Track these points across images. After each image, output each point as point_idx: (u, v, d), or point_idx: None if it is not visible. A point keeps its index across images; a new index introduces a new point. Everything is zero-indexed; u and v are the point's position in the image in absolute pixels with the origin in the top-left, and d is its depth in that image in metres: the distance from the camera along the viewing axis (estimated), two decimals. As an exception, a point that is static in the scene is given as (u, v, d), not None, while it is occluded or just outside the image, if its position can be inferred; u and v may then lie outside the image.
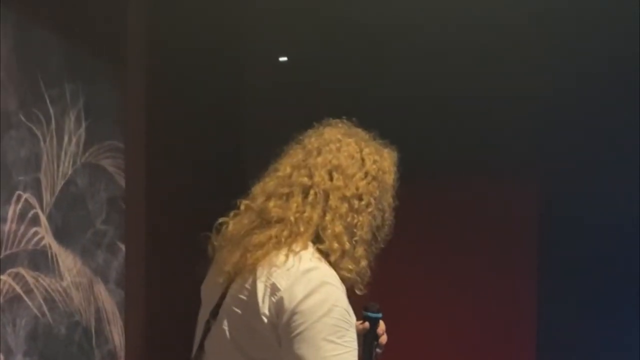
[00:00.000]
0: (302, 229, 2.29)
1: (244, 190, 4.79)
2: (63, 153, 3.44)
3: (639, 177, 4.37)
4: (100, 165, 3.69)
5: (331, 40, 4.78)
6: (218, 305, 2.35)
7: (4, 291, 3.04)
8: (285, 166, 2.41)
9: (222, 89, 4.72)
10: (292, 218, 2.30)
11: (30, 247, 3.19)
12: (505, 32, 4.52)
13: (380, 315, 2.58)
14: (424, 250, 4.92)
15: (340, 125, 2.52)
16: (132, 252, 3.85)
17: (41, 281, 3.25)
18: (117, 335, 3.76)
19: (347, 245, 2.32)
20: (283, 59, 5.00)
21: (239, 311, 2.29)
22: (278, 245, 2.27)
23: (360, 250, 2.36)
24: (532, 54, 4.64)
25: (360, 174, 2.39)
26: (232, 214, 2.43)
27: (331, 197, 2.33)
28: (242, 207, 2.42)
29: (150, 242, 4.05)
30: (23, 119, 3.18)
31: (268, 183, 2.41)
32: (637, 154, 4.40)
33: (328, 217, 2.31)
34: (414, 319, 4.83)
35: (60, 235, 3.36)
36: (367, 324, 2.54)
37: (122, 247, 3.81)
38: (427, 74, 4.75)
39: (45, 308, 3.27)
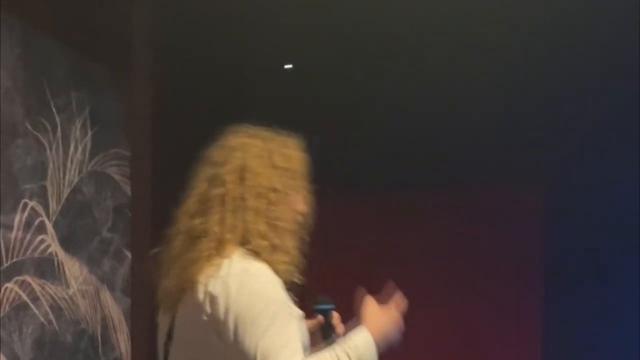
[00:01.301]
0: (228, 236, 2.35)
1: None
2: (69, 161, 3.45)
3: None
4: (106, 173, 3.71)
5: (335, 47, 4.79)
6: (172, 327, 2.43)
7: (11, 299, 3.05)
8: (199, 183, 2.45)
9: (227, 96, 4.72)
10: (215, 229, 2.36)
11: (36, 254, 3.20)
12: (508, 36, 4.52)
13: (331, 306, 2.62)
14: (428, 253, 4.91)
15: (241, 130, 2.52)
16: (138, 259, 3.86)
17: (47, 289, 3.26)
18: (123, 342, 3.76)
19: (275, 240, 2.38)
20: (288, 66, 5.01)
21: (188, 329, 2.38)
22: (209, 257, 2.34)
23: (288, 241, 2.42)
24: (533, 56, 4.63)
25: (269, 169, 2.43)
26: (164, 243, 2.50)
27: (247, 197, 2.38)
28: (171, 234, 2.48)
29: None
30: (29, 127, 3.20)
31: (188, 203, 2.46)
32: (637, 153, 4.40)
33: (249, 218, 2.37)
34: (419, 321, 4.82)
35: (67, 243, 3.37)
36: (320, 317, 2.58)
37: (129, 254, 3.81)
38: (430, 81, 4.75)
39: (51, 316, 3.27)
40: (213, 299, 2.31)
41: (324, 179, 4.86)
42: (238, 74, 4.87)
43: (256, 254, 2.37)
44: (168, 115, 4.17)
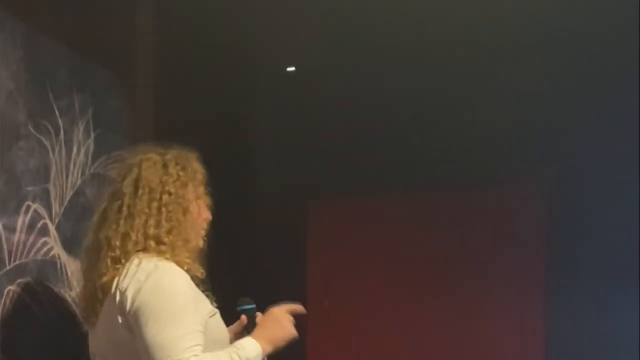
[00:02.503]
0: (124, 243, 2.57)
1: (254, 201, 4.79)
2: (72, 164, 3.45)
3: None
4: (109, 176, 3.69)
5: (338, 50, 4.78)
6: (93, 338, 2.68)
7: (14, 301, 3.04)
8: (103, 199, 2.71)
9: (231, 99, 4.72)
10: (112, 238, 2.59)
11: (39, 257, 3.19)
12: (507, 38, 4.52)
13: (253, 306, 2.76)
14: (429, 258, 4.90)
15: (139, 149, 2.77)
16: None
17: (50, 292, 3.25)
18: (126, 346, 3.74)
19: (171, 240, 2.57)
20: (291, 69, 5.00)
21: (105, 331, 2.57)
22: (114, 264, 2.55)
23: (185, 239, 2.61)
24: (533, 58, 4.63)
25: (164, 177, 2.64)
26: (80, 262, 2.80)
27: (139, 204, 2.60)
28: (82, 251, 2.76)
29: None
30: (32, 130, 3.19)
31: (94, 220, 2.71)
32: (638, 154, 4.39)
33: (141, 223, 2.58)
34: (420, 325, 4.81)
35: (70, 245, 3.36)
36: (243, 317, 2.73)
37: (131, 257, 3.80)
38: (431, 83, 4.75)
39: (54, 319, 3.26)
40: (122, 294, 2.48)
41: (324, 181, 4.87)
42: (241, 78, 4.88)
43: (158, 254, 2.55)
44: (171, 118, 4.17)
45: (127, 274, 2.52)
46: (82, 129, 3.52)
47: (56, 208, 3.32)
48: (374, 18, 4.52)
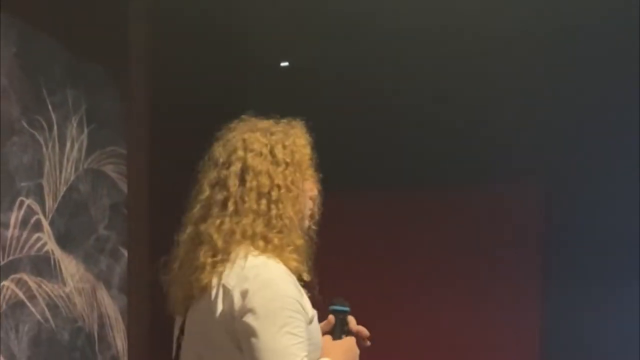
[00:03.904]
0: (227, 241, 2.35)
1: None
2: (65, 159, 3.45)
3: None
4: (102, 171, 3.70)
5: (332, 45, 4.78)
6: (183, 324, 2.43)
7: (7, 297, 3.05)
8: (204, 187, 2.45)
9: (225, 94, 4.72)
10: (214, 235, 2.36)
11: (33, 252, 3.19)
12: (508, 33, 4.53)
13: (346, 308, 2.61)
14: (426, 254, 4.91)
15: (241, 124, 2.51)
16: (134, 257, 3.86)
17: (44, 287, 3.26)
18: (119, 340, 3.76)
19: (278, 239, 2.37)
20: (284, 64, 5.00)
21: (198, 327, 2.38)
22: (215, 263, 2.34)
23: (293, 238, 2.40)
24: (531, 54, 4.63)
25: (272, 167, 2.41)
26: (174, 250, 2.51)
27: (247, 200, 2.38)
28: (179, 240, 2.49)
29: (153, 247, 4.05)
30: (25, 125, 3.19)
31: (193, 210, 2.46)
32: (637, 152, 4.40)
33: (248, 221, 2.36)
34: (417, 321, 4.83)
35: (63, 241, 3.36)
36: (331, 317, 2.58)
37: (125, 252, 3.81)
38: (428, 79, 4.75)
39: (48, 314, 3.27)
40: (227, 292, 2.30)
41: (323, 177, 4.84)
42: (235, 73, 4.87)
43: (264, 252, 2.36)
44: (165, 112, 4.17)
45: (232, 270, 2.32)
46: (75, 125, 3.51)
47: (49, 203, 3.32)
48: (370, 13, 4.53)
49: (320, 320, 2.52)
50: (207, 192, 2.43)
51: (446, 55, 4.69)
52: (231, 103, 4.84)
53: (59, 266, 3.35)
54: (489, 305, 4.80)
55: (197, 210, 2.44)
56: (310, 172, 2.51)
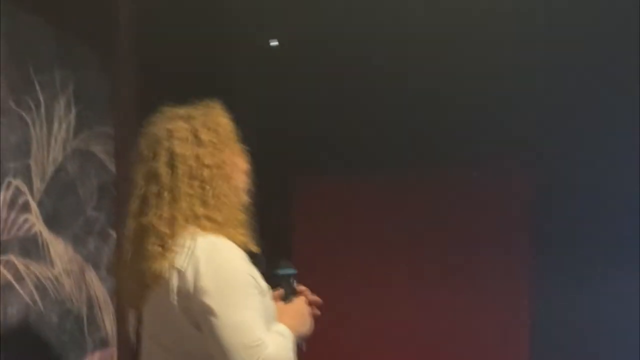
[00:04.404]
0: (177, 227, 2.42)
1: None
2: (53, 139, 3.41)
3: (639, 162, 4.36)
4: (90, 152, 3.67)
5: (324, 24, 4.74)
6: (141, 316, 2.54)
7: (-5, 279, 3.02)
8: (138, 182, 2.54)
9: (214, 74, 4.68)
10: (156, 224, 2.44)
11: (21, 234, 3.16)
12: (496, 24, 4.50)
13: (291, 271, 2.71)
14: (417, 241, 4.88)
15: (161, 116, 2.61)
16: (122, 238, 3.82)
17: (32, 269, 3.23)
18: (108, 322, 3.74)
19: (219, 216, 2.45)
20: (274, 43, 4.96)
21: (156, 313, 2.45)
22: (164, 250, 2.41)
23: (233, 213, 2.49)
24: (525, 41, 4.60)
25: (199, 149, 2.49)
26: (120, 246, 2.69)
27: (180, 185, 2.46)
28: (122, 237, 2.64)
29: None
30: (13, 105, 3.15)
31: (132, 205, 2.55)
32: (632, 138, 4.38)
33: (184, 205, 2.44)
34: (405, 304, 4.81)
35: (51, 222, 3.33)
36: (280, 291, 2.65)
37: (113, 233, 3.78)
38: (419, 63, 4.71)
39: (36, 296, 3.24)
40: (181, 275, 2.36)
41: (308, 158, 4.83)
42: (224, 52, 4.83)
43: (211, 232, 2.43)
44: (152, 92, 4.12)
45: (182, 253, 2.39)
46: (63, 105, 3.48)
47: (37, 184, 3.29)
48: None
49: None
50: (141, 186, 2.52)
51: (436, 36, 4.66)
52: (219, 82, 4.80)
53: (47, 248, 3.32)
54: (478, 289, 4.78)
55: (135, 205, 2.53)
56: (237, 148, 2.60)
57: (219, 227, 2.44)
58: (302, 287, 2.73)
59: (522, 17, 4.48)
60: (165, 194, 2.47)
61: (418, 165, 4.78)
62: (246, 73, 4.92)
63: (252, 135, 4.88)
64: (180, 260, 2.38)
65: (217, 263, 2.35)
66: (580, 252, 4.50)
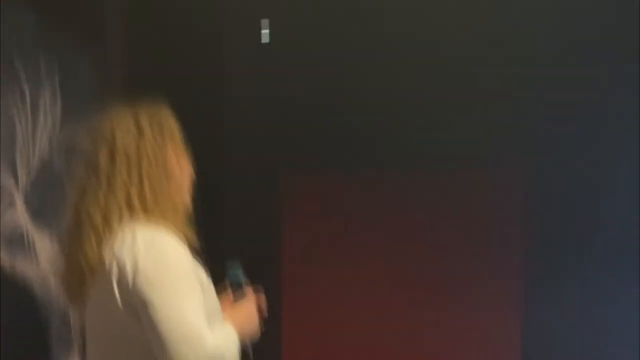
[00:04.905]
0: (113, 218, 2.41)
1: (224, 169, 4.66)
2: (39, 132, 3.31)
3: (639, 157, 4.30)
4: (77, 145, 3.56)
5: (316, 18, 4.66)
6: (83, 315, 2.53)
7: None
8: (78, 173, 2.55)
9: (203, 65, 4.59)
10: (96, 216, 2.43)
11: (7, 231, 3.07)
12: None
13: (239, 270, 2.69)
14: (407, 237, 4.79)
15: (108, 111, 2.63)
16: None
17: (18, 266, 3.14)
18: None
19: (157, 207, 2.44)
20: (265, 30, 4.85)
21: (96, 307, 2.43)
22: (99, 242, 2.40)
23: (174, 205, 2.49)
24: (519, 39, 4.53)
25: (140, 141, 2.49)
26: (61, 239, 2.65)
27: (117, 175, 2.46)
28: (64, 231, 2.58)
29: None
30: (-4, 96, 3.05)
31: (71, 195, 2.55)
32: (631, 134, 4.33)
33: (121, 194, 2.44)
34: (395, 305, 4.73)
35: (37, 218, 3.23)
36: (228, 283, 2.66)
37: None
38: (413, 60, 4.63)
39: (22, 294, 3.15)
40: (119, 267, 2.34)
41: (299, 156, 4.73)
42: (215, 42, 4.74)
43: (149, 224, 2.41)
44: (141, 85, 4.04)
45: (121, 246, 2.37)
46: (48, 96, 3.38)
47: (23, 178, 3.19)
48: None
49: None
50: (81, 176, 2.52)
51: (429, 36, 4.58)
52: (209, 71, 4.71)
53: (33, 245, 3.22)
54: (469, 290, 4.68)
55: (74, 195, 2.53)
56: (182, 150, 2.58)
57: (155, 219, 2.43)
58: (250, 290, 2.70)
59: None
60: (103, 184, 2.46)
61: (409, 165, 4.69)
62: (237, 63, 4.81)
63: (241, 130, 4.83)
64: (120, 252, 2.36)
65: (156, 255, 2.33)
66: (576, 253, 4.43)
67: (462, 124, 4.61)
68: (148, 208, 2.43)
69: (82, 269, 2.42)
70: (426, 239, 4.74)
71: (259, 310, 2.66)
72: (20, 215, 3.16)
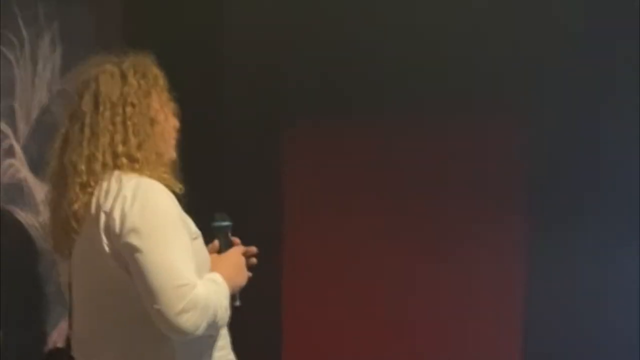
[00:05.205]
0: (96, 165, 2.40)
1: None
2: (37, 79, 3.26)
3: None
4: (66, 95, 3.51)
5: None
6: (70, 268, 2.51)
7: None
8: (64, 122, 2.54)
9: (201, 15, 4.51)
10: (80, 164, 2.41)
11: (5, 180, 3.02)
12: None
13: (229, 223, 2.67)
14: (410, 193, 4.73)
15: (92, 61, 2.59)
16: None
17: (17, 216, 3.09)
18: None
19: (142, 154, 2.42)
20: None
21: (83, 257, 2.41)
22: (84, 190, 2.39)
23: (159, 152, 2.47)
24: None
25: (124, 88, 2.48)
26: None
27: (101, 123, 2.43)
28: (48, 180, 2.59)
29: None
30: (-5, 41, 2.99)
31: (55, 145, 2.54)
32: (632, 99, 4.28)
33: (106, 141, 2.42)
34: (397, 264, 4.69)
35: (36, 167, 3.18)
36: (216, 243, 2.62)
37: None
38: (418, 16, 4.54)
39: (21, 244, 3.11)
40: (107, 215, 2.31)
41: (300, 107, 4.67)
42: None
43: (133, 171, 2.40)
44: (140, 31, 3.98)
45: (107, 194, 2.35)
46: (47, 42, 3.32)
47: (22, 127, 3.14)
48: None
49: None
50: (66, 125, 2.51)
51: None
52: (207, 25, 4.64)
53: (32, 194, 3.18)
54: (472, 249, 4.63)
55: (57, 144, 2.51)
56: (167, 98, 2.56)
57: (139, 166, 2.41)
58: (236, 239, 2.68)
59: None
60: (86, 130, 2.44)
61: (412, 116, 4.62)
62: (234, 16, 4.72)
63: (239, 78, 4.76)
64: (107, 201, 2.34)
65: (144, 203, 2.30)
66: (579, 223, 4.38)
67: (464, 67, 4.52)
68: (132, 154, 2.41)
69: (68, 217, 2.41)
70: (429, 187, 4.67)
71: (248, 260, 2.63)
72: (19, 164, 3.10)
